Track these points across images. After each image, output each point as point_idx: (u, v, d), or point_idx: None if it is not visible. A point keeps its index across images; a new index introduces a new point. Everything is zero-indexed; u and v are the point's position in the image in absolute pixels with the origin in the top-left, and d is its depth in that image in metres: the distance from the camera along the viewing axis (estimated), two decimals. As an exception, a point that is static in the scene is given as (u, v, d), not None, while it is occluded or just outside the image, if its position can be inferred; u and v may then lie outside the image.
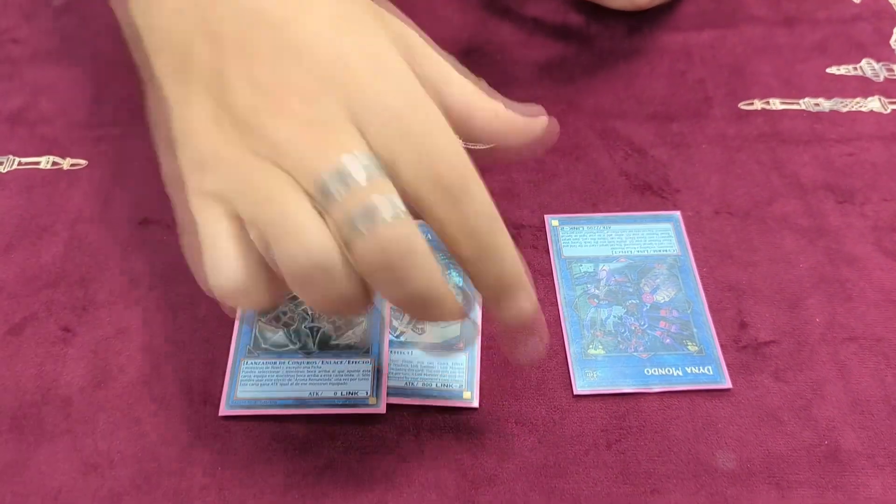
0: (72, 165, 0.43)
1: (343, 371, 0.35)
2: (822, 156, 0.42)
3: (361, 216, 0.25)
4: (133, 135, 0.44)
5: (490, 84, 0.46)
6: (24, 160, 0.43)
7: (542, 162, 0.42)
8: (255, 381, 0.35)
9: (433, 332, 0.37)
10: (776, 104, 0.45)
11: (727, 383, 0.35)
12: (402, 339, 0.36)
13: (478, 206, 0.27)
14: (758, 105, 0.45)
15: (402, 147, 0.26)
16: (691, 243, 0.39)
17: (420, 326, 0.37)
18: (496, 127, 0.32)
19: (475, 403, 0.35)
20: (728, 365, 0.36)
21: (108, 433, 0.34)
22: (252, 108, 0.27)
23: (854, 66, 0.46)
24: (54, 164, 0.43)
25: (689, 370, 0.35)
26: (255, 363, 0.36)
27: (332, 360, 0.36)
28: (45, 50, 0.48)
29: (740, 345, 0.36)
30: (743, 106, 0.45)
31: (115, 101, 0.46)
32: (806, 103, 0.45)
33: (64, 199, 0.42)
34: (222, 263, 0.27)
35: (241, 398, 0.35)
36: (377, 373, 0.35)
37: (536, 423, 0.34)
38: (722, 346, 0.36)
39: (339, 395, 0.35)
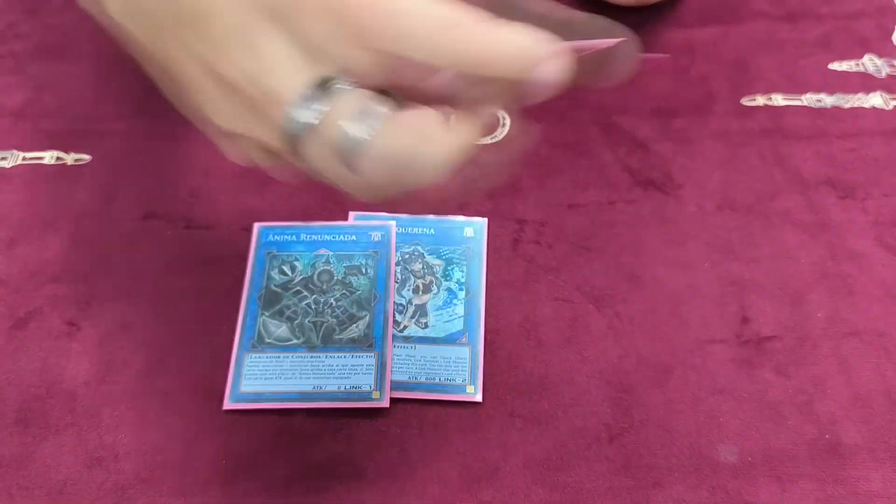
0: (75, 161, 0.43)
1: (347, 365, 0.35)
2: (824, 151, 0.43)
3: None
4: (136, 130, 0.44)
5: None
6: (28, 155, 0.43)
7: (545, 157, 0.42)
8: (259, 376, 0.35)
9: (436, 326, 0.37)
10: (779, 100, 0.45)
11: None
12: (405, 333, 0.37)
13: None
14: (760, 101, 0.45)
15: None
16: (693, 238, 0.39)
17: (423, 321, 0.37)
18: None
19: (478, 398, 0.35)
20: (730, 360, 0.36)
21: (113, 427, 0.34)
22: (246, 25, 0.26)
23: (856, 61, 0.46)
24: (58, 159, 0.43)
25: (691, 365, 0.35)
26: (259, 357, 0.36)
27: (336, 355, 0.36)
28: (49, 45, 0.48)
29: (742, 339, 0.36)
30: (745, 102, 0.45)
31: (119, 97, 0.46)
32: (808, 99, 0.45)
33: (68, 194, 0.42)
34: None
35: (245, 392, 0.35)
36: (381, 367, 0.35)
37: (539, 417, 0.34)
38: (724, 340, 0.36)
39: (342, 389, 0.35)
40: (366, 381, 0.35)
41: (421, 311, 0.37)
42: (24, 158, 0.43)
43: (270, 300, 0.37)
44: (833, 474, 0.33)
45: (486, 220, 0.40)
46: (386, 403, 0.35)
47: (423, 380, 0.35)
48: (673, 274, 0.38)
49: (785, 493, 0.32)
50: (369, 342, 0.36)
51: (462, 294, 0.38)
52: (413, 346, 0.36)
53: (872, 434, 0.34)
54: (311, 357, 0.36)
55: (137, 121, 0.45)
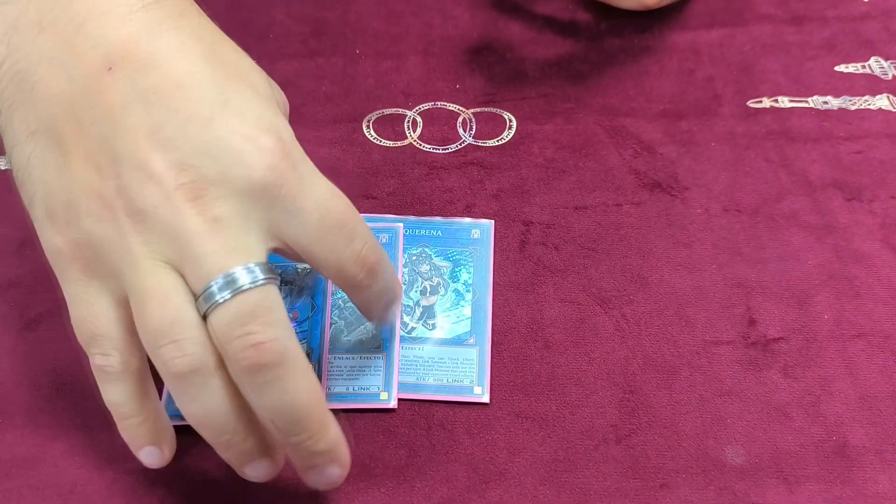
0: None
1: (355, 367, 0.36)
2: (831, 153, 0.43)
3: (245, 317, 0.27)
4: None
5: (500, 82, 0.46)
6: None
7: (551, 159, 0.43)
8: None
9: (443, 327, 0.37)
10: (785, 102, 0.45)
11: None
12: (413, 334, 0.37)
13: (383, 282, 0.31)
14: (766, 103, 0.45)
15: (332, 239, 0.29)
16: (700, 240, 0.40)
17: (431, 322, 0.37)
18: None
19: (486, 399, 0.35)
20: (737, 361, 0.36)
21: (123, 427, 0.34)
22: (156, 204, 0.27)
23: (862, 64, 0.46)
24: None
25: (698, 366, 0.36)
26: (268, 358, 0.36)
27: (344, 356, 0.36)
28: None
29: (749, 341, 0.36)
30: (751, 104, 0.45)
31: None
32: (814, 101, 0.45)
33: (77, 195, 0.42)
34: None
35: (253, 393, 0.35)
36: (388, 368, 0.36)
37: (546, 418, 0.35)
38: (730, 342, 0.36)
39: (350, 390, 0.35)
40: (374, 383, 0.35)
41: (428, 312, 0.37)
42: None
43: (279, 302, 0.38)
44: (841, 476, 0.33)
45: (492, 221, 0.40)
46: (394, 404, 0.35)
47: (430, 381, 0.35)
48: (679, 276, 0.39)
49: (792, 494, 0.32)
50: (377, 343, 0.36)
51: (469, 295, 0.38)
52: (420, 347, 0.36)
53: (880, 435, 0.34)
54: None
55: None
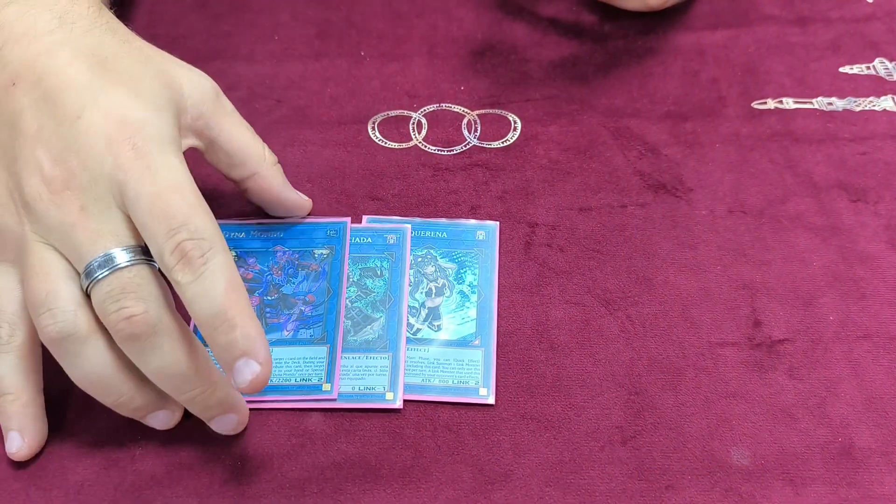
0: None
1: (361, 367, 0.36)
2: (836, 155, 0.43)
3: (117, 293, 0.30)
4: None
5: (504, 83, 0.46)
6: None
7: (556, 161, 0.43)
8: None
9: (449, 329, 0.37)
10: (789, 103, 0.45)
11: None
12: (418, 335, 0.37)
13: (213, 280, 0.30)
14: (771, 104, 0.45)
15: (156, 228, 0.30)
16: (705, 242, 0.40)
17: (436, 324, 0.37)
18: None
19: (491, 400, 0.35)
20: (742, 363, 0.36)
21: (130, 428, 0.34)
22: (37, 196, 0.31)
23: (867, 65, 0.46)
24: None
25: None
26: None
27: (351, 356, 0.36)
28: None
29: (754, 343, 0.36)
30: (756, 105, 0.45)
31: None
32: (819, 102, 0.45)
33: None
34: None
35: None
36: (395, 369, 0.36)
37: (552, 419, 0.35)
38: (735, 343, 0.36)
39: (356, 390, 0.35)
40: (380, 383, 0.35)
41: (434, 313, 0.37)
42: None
43: (284, 303, 0.38)
44: (846, 477, 0.33)
45: (497, 223, 0.40)
46: (399, 405, 0.35)
47: (436, 382, 0.36)
48: (684, 277, 0.39)
49: (798, 496, 0.32)
50: (384, 344, 0.36)
51: (474, 297, 0.38)
52: (426, 348, 0.36)
53: (886, 437, 0.34)
54: (326, 359, 0.36)
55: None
